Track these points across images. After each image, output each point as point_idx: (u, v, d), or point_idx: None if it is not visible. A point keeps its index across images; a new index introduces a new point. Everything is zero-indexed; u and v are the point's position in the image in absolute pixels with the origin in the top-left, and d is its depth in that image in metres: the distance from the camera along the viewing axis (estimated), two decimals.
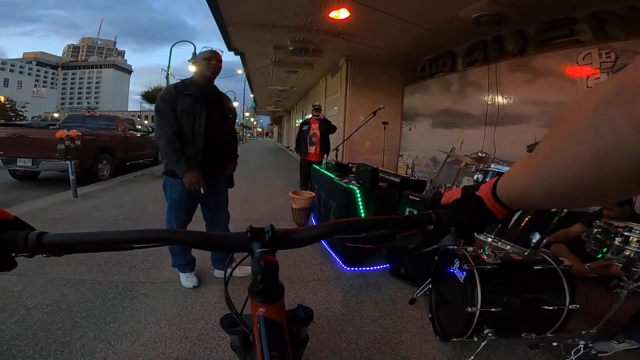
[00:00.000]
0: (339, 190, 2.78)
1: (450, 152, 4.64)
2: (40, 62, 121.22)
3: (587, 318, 1.86)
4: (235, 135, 2.56)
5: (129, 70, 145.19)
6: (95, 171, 6.71)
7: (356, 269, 2.69)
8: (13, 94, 65.90)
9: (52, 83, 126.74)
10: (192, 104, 2.15)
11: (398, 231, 0.58)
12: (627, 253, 1.51)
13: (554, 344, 1.79)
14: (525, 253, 1.51)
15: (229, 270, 0.61)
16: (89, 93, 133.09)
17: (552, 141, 0.35)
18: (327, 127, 5.41)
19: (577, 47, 3.97)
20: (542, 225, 1.53)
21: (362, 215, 2.55)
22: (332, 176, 3.15)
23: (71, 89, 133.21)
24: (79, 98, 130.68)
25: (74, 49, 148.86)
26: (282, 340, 0.54)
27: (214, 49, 2.31)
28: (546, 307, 1.61)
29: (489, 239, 1.56)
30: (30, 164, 6.07)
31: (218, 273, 2.59)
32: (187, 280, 2.42)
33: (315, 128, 5.37)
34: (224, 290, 0.60)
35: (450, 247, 1.85)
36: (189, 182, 2.14)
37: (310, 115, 5.67)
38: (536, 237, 1.48)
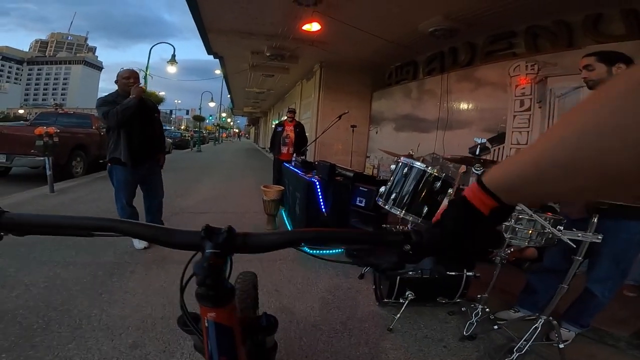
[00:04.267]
0: (302, 183, 3.22)
1: (408, 154, 5.17)
2: (5, 56, 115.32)
3: (502, 294, 2.36)
4: (162, 131, 3.33)
5: (99, 67, 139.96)
6: (69, 168, 6.81)
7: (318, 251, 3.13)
8: None
9: (16, 78, 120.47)
10: None
11: (372, 247, 0.53)
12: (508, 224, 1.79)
13: (463, 309, 2.22)
14: (419, 221, 1.98)
15: (186, 272, 0.54)
16: (55, 89, 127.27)
17: (592, 110, 0.31)
18: (301, 132, 5.78)
19: (511, 59, 4.54)
20: (431, 200, 2.00)
21: (321, 203, 3.00)
22: (298, 171, 3.58)
23: (36, 84, 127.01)
24: (44, 94, 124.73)
25: (42, 44, 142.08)
26: (231, 346, 0.53)
27: (132, 70, 3.02)
28: (450, 273, 2.10)
29: (398, 212, 2.03)
30: (5, 160, 6.08)
31: (137, 243, 3.06)
32: (139, 243, 3.02)
33: (289, 130, 5.74)
34: (179, 289, 0.56)
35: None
36: (137, 93, 2.80)
37: (285, 117, 6.07)
38: (425, 209, 1.96)
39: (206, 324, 0.52)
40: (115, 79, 2.96)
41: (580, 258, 1.58)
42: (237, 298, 0.71)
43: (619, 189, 0.34)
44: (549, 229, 1.54)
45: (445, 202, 2.21)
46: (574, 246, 1.55)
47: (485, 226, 0.45)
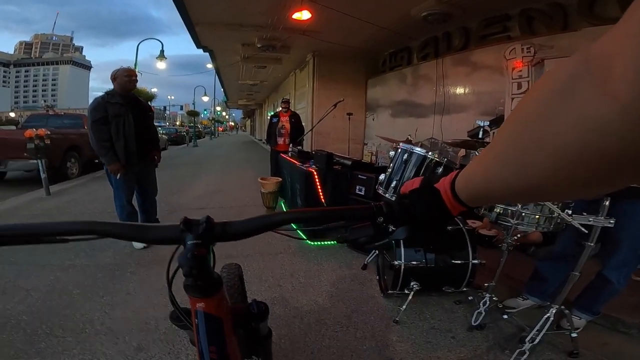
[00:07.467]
0: (300, 174, 3.19)
1: (407, 139, 5.14)
2: None
3: (507, 281, 2.33)
4: (155, 129, 3.40)
5: (88, 66, 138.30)
6: (64, 170, 6.74)
7: (319, 242, 3.11)
8: None
9: (4, 82, 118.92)
10: (120, 109, 2.87)
11: (348, 223, 0.54)
12: (497, 210, 1.71)
13: (470, 297, 2.18)
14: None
15: (172, 265, 0.55)
16: (44, 91, 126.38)
17: (512, 127, 0.31)
18: (297, 122, 5.74)
19: (506, 42, 4.47)
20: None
21: (320, 193, 2.96)
22: (296, 162, 3.53)
23: (25, 87, 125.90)
24: (34, 96, 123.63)
25: (27, 46, 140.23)
26: (220, 336, 0.54)
27: (132, 68, 3.10)
28: (455, 262, 2.06)
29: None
30: None
31: (136, 243, 3.02)
32: (138, 242, 2.93)
33: (284, 120, 5.70)
34: (167, 284, 0.56)
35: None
36: (111, 170, 2.90)
37: (280, 109, 6.00)
38: None
39: (196, 315, 0.53)
40: (111, 78, 3.01)
41: (592, 244, 1.51)
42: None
43: (568, 196, 0.33)
44: (558, 213, 1.47)
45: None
46: (586, 231, 1.47)
47: (451, 219, 0.50)
